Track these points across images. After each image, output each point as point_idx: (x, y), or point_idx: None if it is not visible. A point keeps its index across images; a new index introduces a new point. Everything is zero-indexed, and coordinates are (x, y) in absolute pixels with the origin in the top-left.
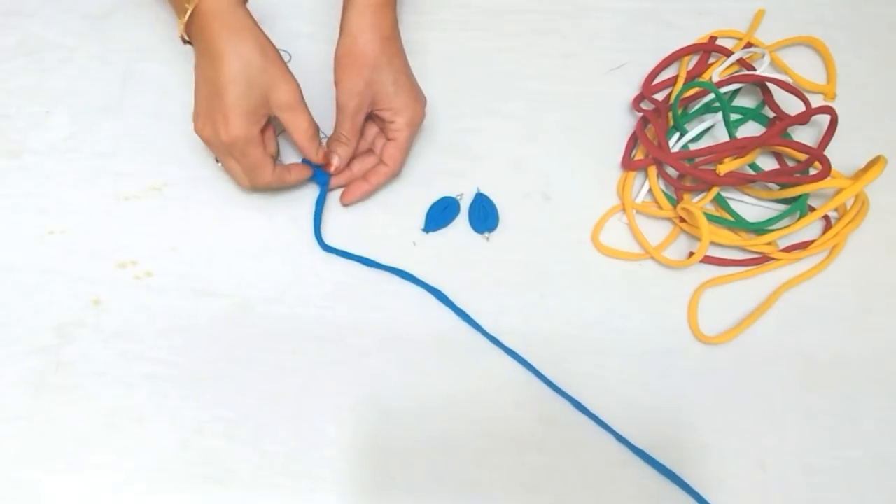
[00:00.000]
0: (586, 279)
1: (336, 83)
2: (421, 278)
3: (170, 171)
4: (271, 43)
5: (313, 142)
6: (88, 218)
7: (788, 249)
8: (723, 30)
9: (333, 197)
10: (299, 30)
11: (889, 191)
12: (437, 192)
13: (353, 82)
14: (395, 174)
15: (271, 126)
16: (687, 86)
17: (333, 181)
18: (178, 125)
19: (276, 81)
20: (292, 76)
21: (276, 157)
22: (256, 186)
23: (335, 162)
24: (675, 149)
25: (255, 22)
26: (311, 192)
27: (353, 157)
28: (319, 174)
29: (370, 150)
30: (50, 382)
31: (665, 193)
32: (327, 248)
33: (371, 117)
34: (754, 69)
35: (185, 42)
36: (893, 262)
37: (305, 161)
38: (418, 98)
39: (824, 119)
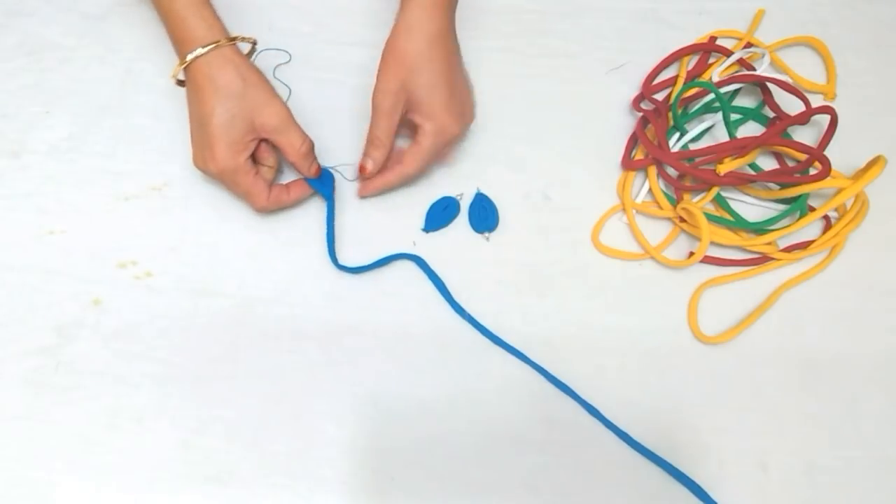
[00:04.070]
0: (586, 279)
1: (375, 80)
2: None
3: (170, 171)
4: (254, 69)
5: (305, 160)
6: (88, 218)
7: (788, 249)
8: (723, 30)
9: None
10: (299, 30)
11: (889, 191)
12: (437, 192)
13: (388, 81)
14: (407, 177)
15: (268, 149)
16: (687, 86)
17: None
18: (178, 125)
19: (259, 107)
20: (277, 98)
21: (272, 180)
22: (256, 211)
23: (369, 166)
24: (675, 149)
25: (238, 52)
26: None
27: (386, 162)
28: (323, 188)
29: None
30: (50, 382)
31: (665, 193)
32: (341, 268)
33: (406, 123)
34: (754, 69)
35: (178, 83)
36: (893, 262)
37: (314, 184)
38: (454, 111)
39: (824, 119)
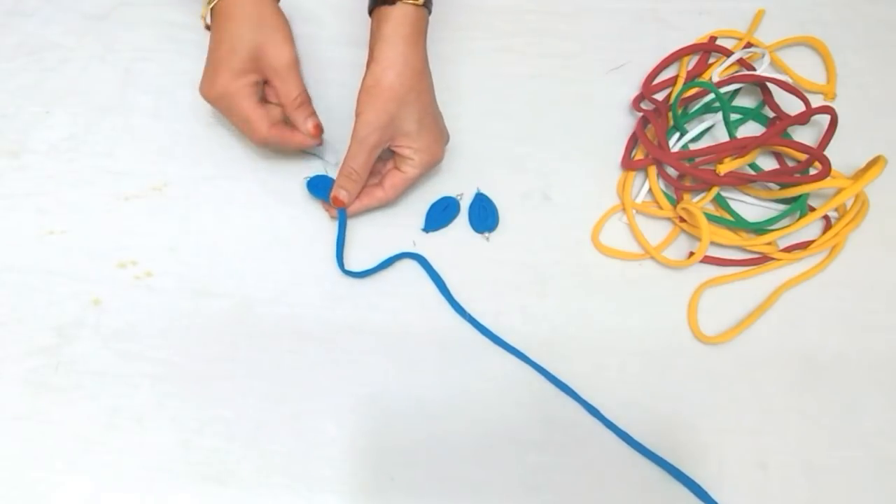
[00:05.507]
0: (586, 279)
1: (358, 113)
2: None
3: (170, 171)
4: (277, 10)
5: (300, 111)
6: (88, 218)
7: (788, 249)
8: (723, 30)
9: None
10: (299, 30)
11: (889, 191)
12: (437, 192)
13: (378, 115)
14: (388, 203)
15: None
16: (687, 86)
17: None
18: (178, 125)
19: (267, 44)
20: (290, 43)
21: (279, 119)
22: (256, 144)
23: (342, 197)
24: (675, 149)
25: None
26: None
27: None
28: (324, 195)
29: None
30: (50, 382)
31: (665, 193)
32: (347, 273)
33: (385, 150)
34: (754, 69)
35: (206, 27)
36: (893, 262)
37: (313, 191)
38: (440, 139)
39: (824, 119)
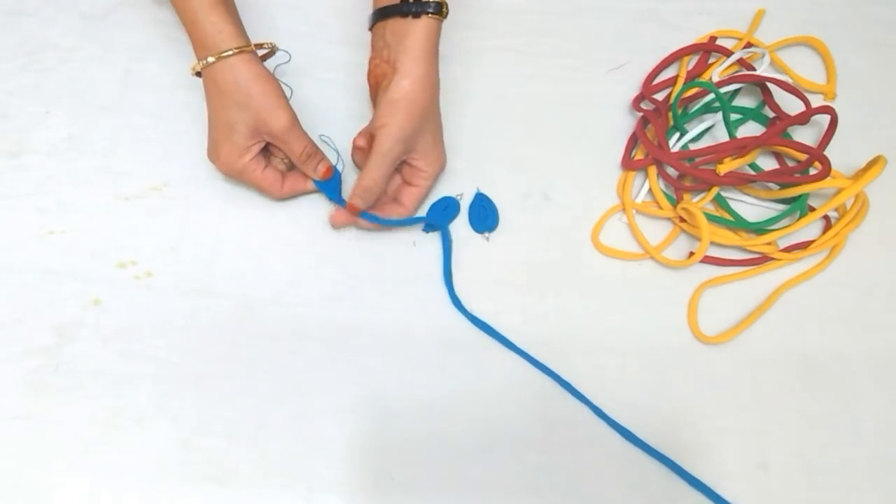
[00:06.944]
0: (586, 279)
1: (380, 126)
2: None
3: (170, 171)
4: (264, 73)
5: (308, 163)
6: (88, 218)
7: (788, 249)
8: (723, 30)
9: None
10: (298, 30)
11: (889, 191)
12: (438, 192)
13: (403, 128)
14: (408, 216)
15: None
16: (687, 86)
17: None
18: (178, 125)
19: (261, 114)
20: (283, 105)
21: (286, 168)
22: (276, 200)
23: (358, 205)
24: (675, 149)
25: (248, 58)
26: (312, 194)
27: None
28: (328, 190)
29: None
30: (50, 382)
31: (665, 193)
32: (372, 220)
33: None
34: (754, 69)
35: (196, 74)
36: (893, 262)
37: (318, 184)
38: (443, 146)
39: (824, 119)
